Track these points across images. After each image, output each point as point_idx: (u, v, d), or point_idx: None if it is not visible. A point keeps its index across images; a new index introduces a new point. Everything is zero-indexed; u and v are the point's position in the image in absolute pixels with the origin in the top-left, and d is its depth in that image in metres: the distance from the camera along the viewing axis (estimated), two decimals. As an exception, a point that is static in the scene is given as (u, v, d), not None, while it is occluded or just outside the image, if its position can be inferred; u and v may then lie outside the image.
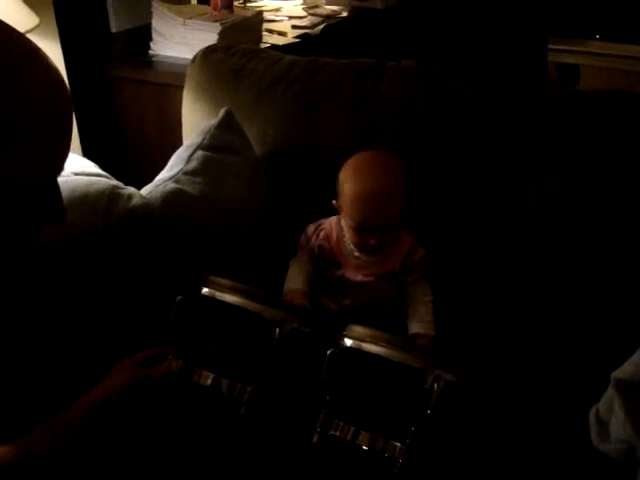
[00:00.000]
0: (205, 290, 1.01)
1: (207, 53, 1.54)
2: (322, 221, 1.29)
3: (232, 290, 1.00)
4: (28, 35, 1.01)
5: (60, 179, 0.75)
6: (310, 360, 0.95)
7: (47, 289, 1.05)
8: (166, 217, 1.21)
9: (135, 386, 0.97)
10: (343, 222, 1.23)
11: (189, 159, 1.31)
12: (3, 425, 0.87)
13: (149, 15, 1.95)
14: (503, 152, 1.30)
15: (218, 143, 1.34)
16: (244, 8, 2.50)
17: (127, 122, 1.96)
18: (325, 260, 1.26)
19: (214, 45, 1.62)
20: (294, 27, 2.33)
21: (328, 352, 0.94)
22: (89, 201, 1.13)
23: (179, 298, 1.02)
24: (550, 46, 2.84)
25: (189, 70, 1.55)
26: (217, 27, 1.87)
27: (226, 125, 1.37)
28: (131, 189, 1.22)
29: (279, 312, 0.98)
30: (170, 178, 1.28)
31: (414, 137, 1.34)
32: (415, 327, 1.21)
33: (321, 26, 2.35)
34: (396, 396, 0.91)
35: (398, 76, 1.40)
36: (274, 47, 2.00)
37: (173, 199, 1.23)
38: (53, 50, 1.74)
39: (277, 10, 2.58)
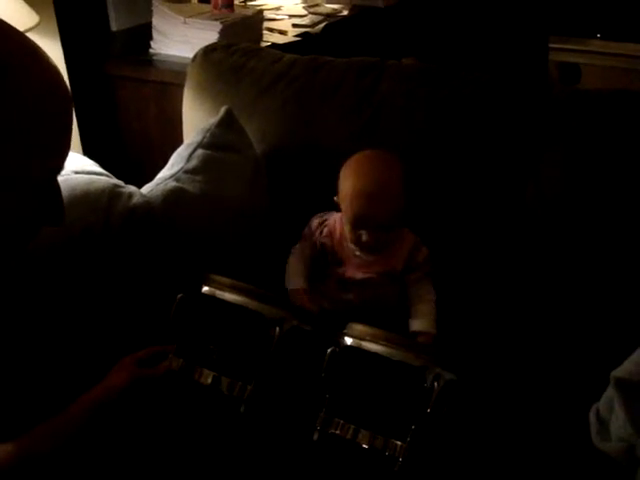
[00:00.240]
0: (205, 288, 1.01)
1: (207, 52, 1.54)
2: (327, 216, 1.29)
3: (232, 288, 1.00)
4: (28, 34, 1.02)
5: (60, 178, 0.75)
6: (310, 358, 0.96)
7: (47, 288, 1.06)
8: (166, 216, 1.21)
9: (135, 385, 0.97)
10: (343, 219, 1.24)
11: (189, 158, 1.31)
12: (3, 424, 0.87)
13: (149, 14, 1.95)
14: (503, 151, 1.30)
15: (218, 141, 1.34)
16: (244, 7, 2.49)
17: (127, 121, 1.96)
18: (327, 257, 1.27)
19: (214, 44, 1.62)
20: (294, 26, 2.32)
21: (328, 350, 0.94)
22: (89, 200, 1.13)
23: (179, 296, 1.02)
24: (551, 45, 2.84)
25: (189, 69, 1.55)
26: (217, 26, 1.86)
27: (226, 124, 1.37)
28: (131, 188, 1.22)
29: (279, 310, 0.98)
30: (170, 177, 1.28)
31: (414, 136, 1.34)
32: (416, 325, 1.21)
33: (322, 25, 2.34)
34: (396, 394, 0.92)
35: (398, 75, 1.40)
36: (274, 46, 1.99)
37: (173, 198, 1.23)
38: (53, 49, 1.74)
39: (277, 9, 2.57)
